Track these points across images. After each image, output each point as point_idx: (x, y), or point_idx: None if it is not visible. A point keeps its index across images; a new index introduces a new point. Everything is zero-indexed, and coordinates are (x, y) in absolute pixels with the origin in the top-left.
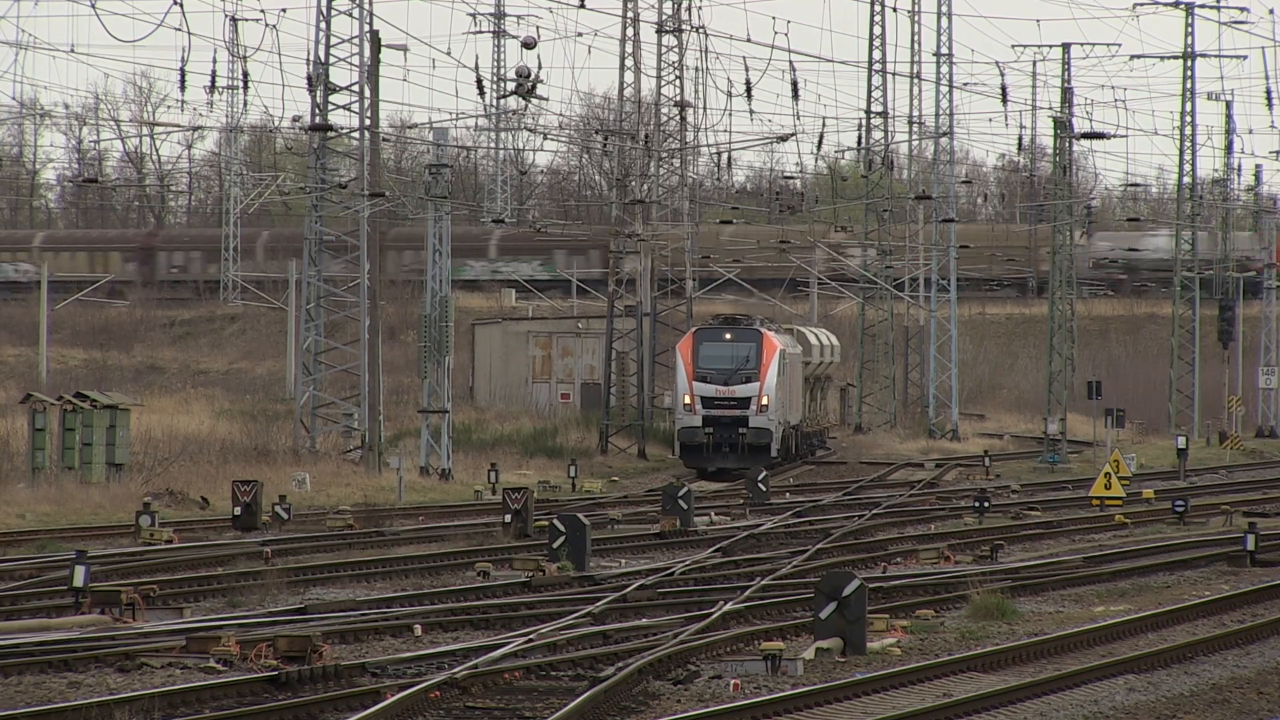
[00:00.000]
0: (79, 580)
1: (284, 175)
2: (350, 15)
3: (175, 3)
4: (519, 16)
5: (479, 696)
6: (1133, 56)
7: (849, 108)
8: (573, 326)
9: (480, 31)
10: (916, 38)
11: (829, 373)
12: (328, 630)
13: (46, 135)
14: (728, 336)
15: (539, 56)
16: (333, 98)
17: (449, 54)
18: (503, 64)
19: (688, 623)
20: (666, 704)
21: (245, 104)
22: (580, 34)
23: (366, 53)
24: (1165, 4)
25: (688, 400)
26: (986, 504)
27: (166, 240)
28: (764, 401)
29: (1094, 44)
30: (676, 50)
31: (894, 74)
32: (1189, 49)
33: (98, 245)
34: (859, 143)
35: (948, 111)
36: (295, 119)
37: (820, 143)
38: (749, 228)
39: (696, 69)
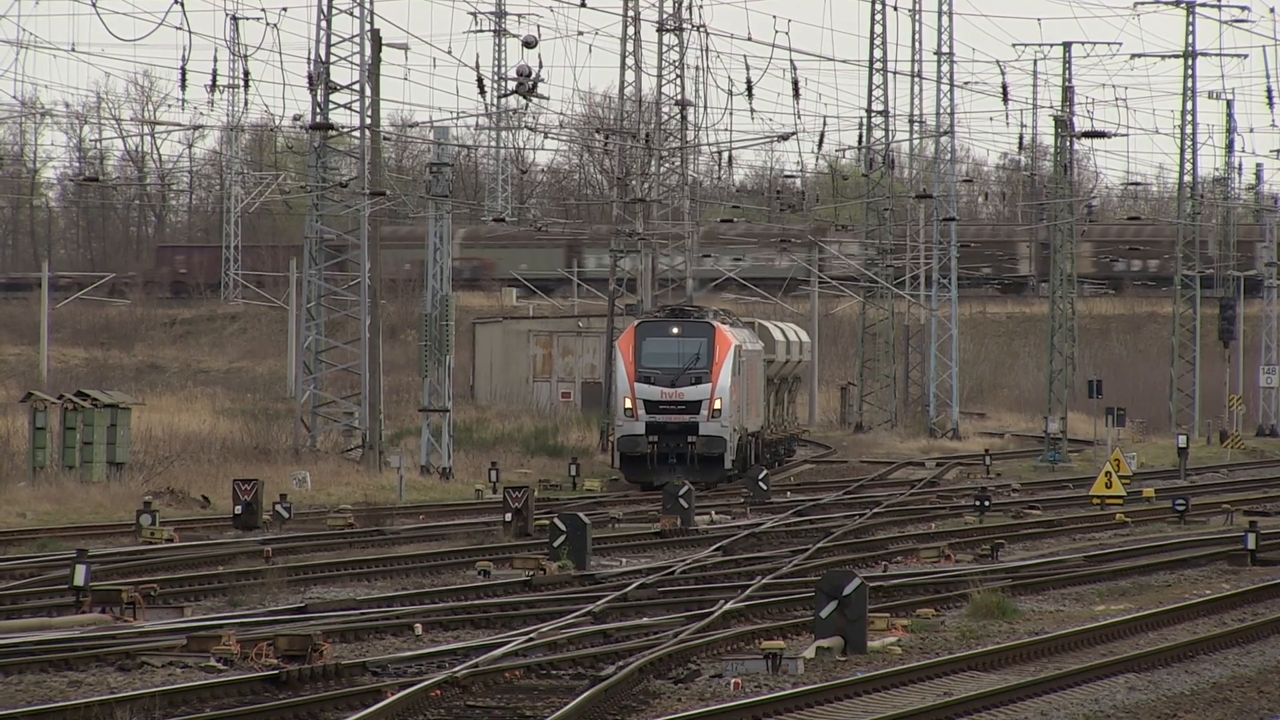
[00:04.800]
0: (79, 579)
1: (285, 174)
2: (351, 14)
3: (176, 2)
4: (520, 15)
5: (479, 695)
6: (1134, 55)
7: (849, 106)
8: (573, 325)
9: (481, 30)
10: (917, 36)
11: (797, 372)
12: (328, 629)
13: (47, 134)
14: (675, 331)
15: (540, 55)
16: (334, 97)
17: (450, 53)
18: (503, 63)
19: (688, 622)
20: (667, 703)
21: (246, 103)
22: (581, 33)
23: (367, 51)
24: (1166, 3)
25: (629, 404)
26: (987, 503)
27: None
28: (716, 406)
29: (1095, 43)
30: (677, 49)
31: (895, 73)
32: (1190, 48)
33: None
34: (860, 141)
35: (948, 110)
36: (296, 118)
37: (821, 141)
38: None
39: (697, 68)
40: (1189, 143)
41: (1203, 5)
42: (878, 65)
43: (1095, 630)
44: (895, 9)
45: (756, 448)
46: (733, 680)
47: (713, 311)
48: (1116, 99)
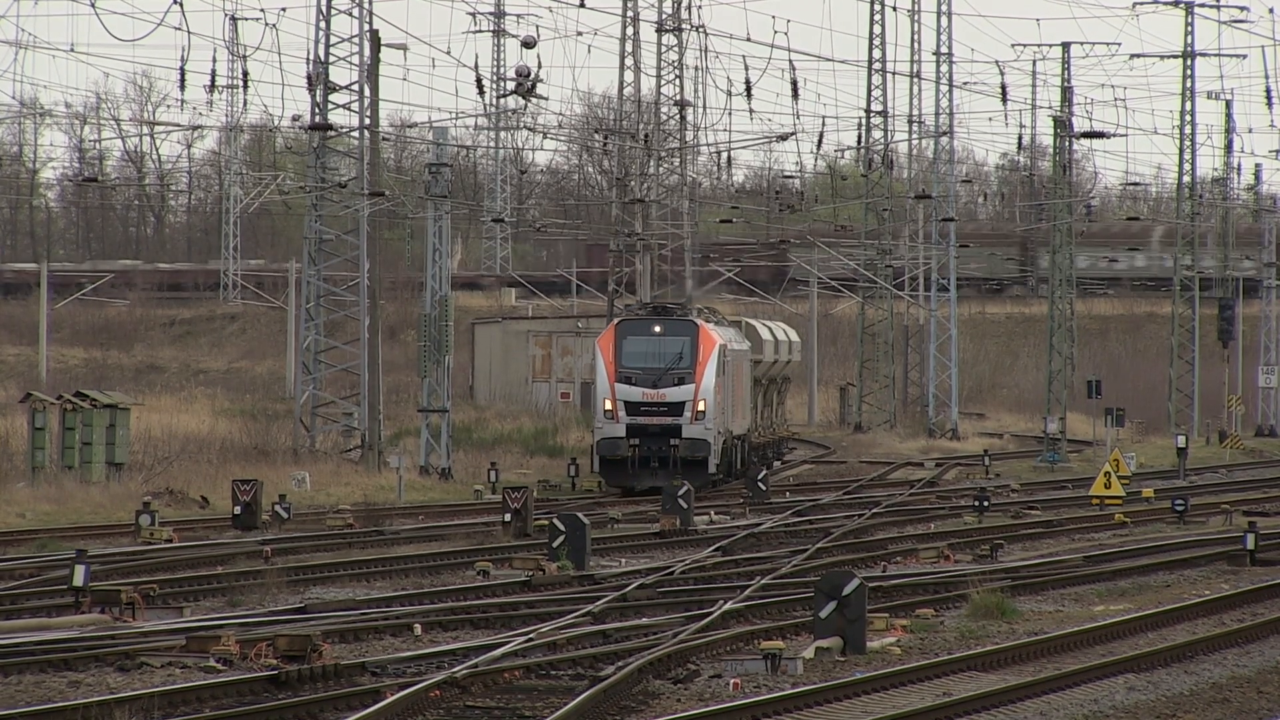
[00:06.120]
0: (79, 579)
1: (284, 174)
2: (350, 14)
3: (175, 2)
4: (519, 15)
5: (479, 696)
6: (1133, 55)
7: (849, 107)
8: (572, 326)
9: (480, 31)
10: (916, 37)
11: (787, 373)
12: (327, 629)
13: (47, 134)
14: (656, 330)
15: (539, 56)
16: (332, 97)
17: (449, 53)
18: (503, 63)
19: (688, 622)
20: (666, 703)
21: (245, 103)
22: (580, 33)
23: (366, 52)
24: (1165, 3)
25: (609, 406)
26: (986, 503)
27: None
28: (700, 407)
29: (1094, 43)
30: (676, 49)
31: (894, 73)
32: (1189, 48)
33: None
34: (859, 142)
35: (948, 110)
36: (295, 118)
37: (820, 142)
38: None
39: (696, 68)
40: (1188, 143)
41: (1202, 5)
42: (877, 66)
43: (1095, 630)
44: (894, 9)
45: (743, 451)
46: (732, 680)
47: (697, 309)
48: (1115, 99)
